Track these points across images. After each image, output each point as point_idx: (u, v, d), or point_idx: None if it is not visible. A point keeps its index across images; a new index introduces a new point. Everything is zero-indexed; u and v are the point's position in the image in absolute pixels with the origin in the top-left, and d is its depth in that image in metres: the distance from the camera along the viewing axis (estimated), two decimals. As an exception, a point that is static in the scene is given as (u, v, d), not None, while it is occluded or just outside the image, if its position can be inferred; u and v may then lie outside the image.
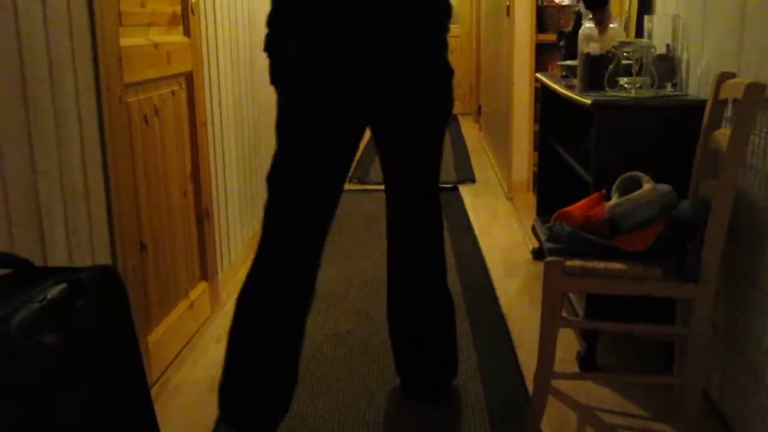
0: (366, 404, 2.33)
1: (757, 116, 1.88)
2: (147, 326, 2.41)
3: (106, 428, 1.25)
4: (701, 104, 2.28)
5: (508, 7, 4.86)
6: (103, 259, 2.10)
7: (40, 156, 1.75)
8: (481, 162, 6.11)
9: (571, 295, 2.66)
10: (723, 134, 2.05)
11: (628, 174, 2.12)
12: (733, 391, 2.15)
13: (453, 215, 4.51)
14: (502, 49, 5.30)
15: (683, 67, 2.61)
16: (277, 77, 2.05)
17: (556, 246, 2.02)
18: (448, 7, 2.02)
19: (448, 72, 2.06)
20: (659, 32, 2.67)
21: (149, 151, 2.43)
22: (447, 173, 5.67)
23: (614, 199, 2.05)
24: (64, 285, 1.17)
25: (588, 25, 2.72)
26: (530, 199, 4.52)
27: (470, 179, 5.49)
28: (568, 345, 2.71)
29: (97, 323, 1.25)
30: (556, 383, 2.45)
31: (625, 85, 2.52)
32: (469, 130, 7.69)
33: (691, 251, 1.90)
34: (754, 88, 1.81)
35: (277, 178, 1.98)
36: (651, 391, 2.40)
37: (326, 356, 2.65)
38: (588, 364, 2.54)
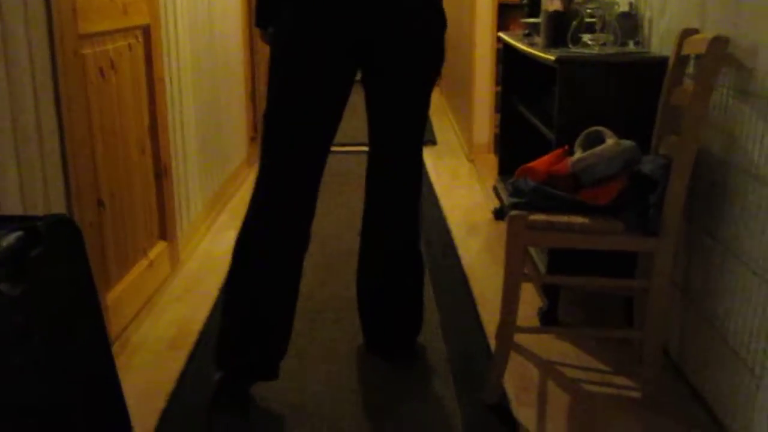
0: (329, 362, 2.33)
1: (719, 71, 1.89)
2: (106, 284, 2.37)
3: (63, 381, 1.22)
4: (664, 61, 2.29)
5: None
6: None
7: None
8: (442, 125, 6.09)
9: (533, 252, 2.67)
10: (685, 90, 2.07)
11: (591, 129, 2.12)
12: (692, 344, 2.19)
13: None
14: (464, 9, 5.26)
15: (646, 24, 2.61)
16: (264, 21, 2.06)
17: (520, 200, 2.01)
18: None
19: (443, 25, 2.03)
20: (623, -11, 2.67)
21: (106, 106, 2.36)
22: (408, 135, 5.63)
23: (578, 154, 2.05)
24: (19, 233, 1.13)
25: (551, -18, 2.70)
26: (492, 161, 4.53)
27: (431, 141, 5.47)
28: (530, 302, 2.73)
29: (54, 273, 1.21)
30: (518, 339, 2.48)
31: (589, 42, 2.51)
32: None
33: (653, 205, 1.91)
34: (717, 42, 1.81)
35: (272, 121, 1.96)
36: (612, 346, 2.44)
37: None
38: (549, 320, 2.56)
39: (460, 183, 4.41)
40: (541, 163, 2.14)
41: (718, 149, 2.02)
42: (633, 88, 2.38)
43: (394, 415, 2.06)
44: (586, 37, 2.52)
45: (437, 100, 7.23)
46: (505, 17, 4.78)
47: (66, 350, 1.23)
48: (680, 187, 1.91)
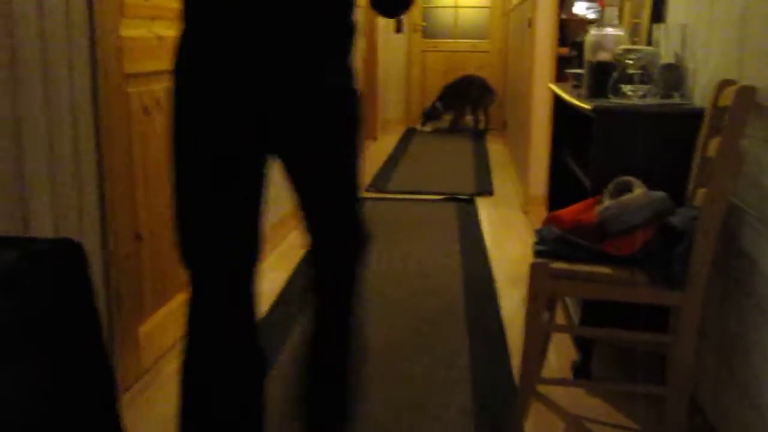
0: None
1: (746, 120, 1.84)
2: (139, 316, 2.43)
3: (53, 401, 1.24)
4: (701, 113, 2.24)
5: (530, 20, 4.85)
6: (92, 246, 2.12)
7: (28, 141, 1.78)
8: (504, 176, 6.07)
9: (568, 302, 2.62)
10: (718, 141, 2.02)
11: (620, 179, 2.09)
12: (724, 405, 2.09)
13: (466, 226, 4.49)
14: (524, 61, 5.27)
15: (690, 76, 2.57)
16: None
17: (543, 248, 1.99)
18: (351, 28, 1.68)
19: (351, 93, 1.71)
20: (668, 41, 2.63)
21: (149, 142, 2.45)
22: (465, 185, 5.65)
23: (605, 203, 2.02)
24: (17, 251, 1.18)
25: (594, 33, 2.69)
26: (546, 213, 4.48)
27: (488, 191, 5.46)
28: (565, 354, 2.68)
29: (53, 296, 1.25)
30: (548, 391, 2.42)
31: (629, 93, 2.49)
32: (494, 145, 7.66)
33: (678, 257, 1.86)
34: (743, 91, 1.77)
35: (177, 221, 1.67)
36: (645, 404, 2.35)
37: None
38: (582, 374, 2.50)
39: (512, 234, 4.37)
40: (569, 212, 2.12)
41: (751, 202, 1.96)
42: (669, 139, 2.33)
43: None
44: (627, 89, 2.49)
45: (501, 153, 7.22)
46: (563, 70, 4.77)
47: (59, 372, 1.26)
48: (708, 239, 1.85)
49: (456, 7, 8.78)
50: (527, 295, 1.96)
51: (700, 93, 2.46)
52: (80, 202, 2.04)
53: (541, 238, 2.02)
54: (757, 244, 1.92)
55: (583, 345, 2.49)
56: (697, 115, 2.26)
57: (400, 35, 8.76)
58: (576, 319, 2.50)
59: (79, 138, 2.01)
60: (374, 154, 6.99)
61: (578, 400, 2.39)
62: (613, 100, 2.50)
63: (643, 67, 2.49)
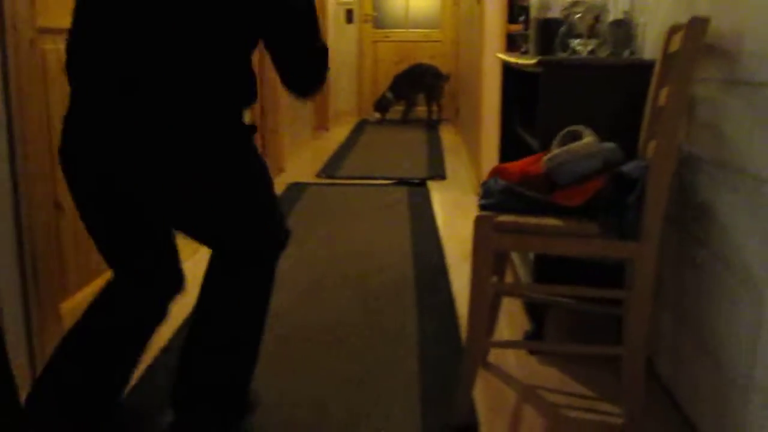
0: (292, 382, 2.18)
1: (697, 56, 1.73)
2: (63, 292, 2.26)
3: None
4: (651, 64, 2.14)
5: (478, -3, 4.75)
6: (4, 215, 1.94)
7: None
8: (457, 162, 5.96)
9: (518, 267, 2.51)
10: (669, 84, 1.92)
11: (569, 128, 1.98)
12: (684, 368, 1.99)
13: (416, 209, 4.36)
14: (475, 43, 5.18)
15: (640, 32, 2.48)
16: None
17: (488, 201, 1.87)
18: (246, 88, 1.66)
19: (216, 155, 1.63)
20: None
21: (68, 105, 2.27)
22: (417, 171, 5.53)
23: (553, 152, 1.90)
24: None
25: (541, -10, 2.59)
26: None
27: (440, 176, 5.34)
28: (517, 325, 2.56)
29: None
30: (498, 361, 2.30)
31: (577, 48, 2.38)
32: (447, 135, 7.56)
33: (631, 205, 1.74)
34: (694, 24, 1.67)
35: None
36: (601, 373, 2.24)
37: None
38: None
39: (464, 216, 4.25)
40: (516, 164, 2.00)
41: (707, 150, 1.86)
42: (619, 93, 2.23)
43: (350, 433, 1.90)
44: (575, 43, 2.39)
45: (453, 141, 7.12)
46: (514, 48, 4.67)
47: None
48: (660, 189, 1.74)
49: (407, -4, 8.69)
50: (472, 252, 1.84)
51: (650, 48, 2.37)
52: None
53: (486, 190, 1.90)
54: (713, 191, 1.82)
55: (535, 312, 2.38)
56: (647, 67, 2.17)
57: (351, 25, 8.63)
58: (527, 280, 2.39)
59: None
60: (325, 144, 6.84)
61: (531, 370, 2.27)
62: (561, 56, 2.39)
63: (592, 22, 2.40)
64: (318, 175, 5.35)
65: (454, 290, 2.93)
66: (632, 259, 1.80)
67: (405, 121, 8.28)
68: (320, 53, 1.69)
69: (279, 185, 4.75)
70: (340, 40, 8.53)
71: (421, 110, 8.34)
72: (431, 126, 8.05)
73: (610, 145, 1.92)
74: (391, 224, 3.99)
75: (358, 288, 2.96)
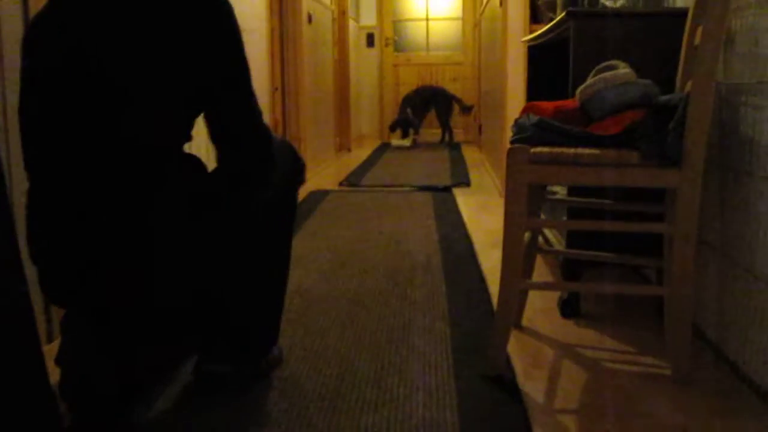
0: (319, 347, 2.10)
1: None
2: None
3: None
4: (685, 12, 2.07)
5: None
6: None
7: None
8: (481, 173, 5.89)
9: (549, 235, 2.42)
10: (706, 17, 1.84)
11: (603, 64, 1.90)
12: (730, 317, 1.88)
13: (442, 207, 4.29)
14: (496, 44, 5.14)
15: (671, -10, 2.42)
16: None
17: (521, 135, 1.79)
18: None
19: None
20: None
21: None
22: (441, 179, 5.46)
23: (588, 82, 1.83)
24: None
25: (568, -47, 2.54)
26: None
27: (464, 183, 5.27)
28: (549, 293, 2.46)
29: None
30: (532, 323, 2.21)
31: (607, 3, 2.32)
32: (470, 153, 7.50)
33: (671, 130, 1.66)
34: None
35: None
36: (641, 332, 2.14)
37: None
38: (570, 310, 2.28)
39: (490, 213, 4.17)
40: (548, 103, 1.92)
41: (749, 76, 1.78)
42: (652, 42, 2.16)
43: (382, 384, 1.80)
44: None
45: (476, 158, 7.05)
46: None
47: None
48: (701, 111, 1.66)
49: (427, 19, 8.71)
50: (506, 186, 1.76)
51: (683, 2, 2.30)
52: None
53: (519, 126, 1.83)
54: (756, 120, 1.74)
55: (570, 274, 2.28)
56: (680, 14, 2.10)
57: (372, 49, 8.66)
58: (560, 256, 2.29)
59: None
60: (348, 162, 6.80)
61: (568, 331, 2.17)
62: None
63: (621, -22, 2.34)
64: (341, 184, 5.30)
65: (484, 271, 2.83)
66: (674, 189, 1.71)
67: (416, 146, 8.19)
68: (262, 131, 1.59)
69: (300, 194, 4.70)
70: (362, 64, 8.56)
71: (429, 132, 8.29)
72: (452, 146, 8.00)
73: (646, 81, 1.85)
74: (416, 219, 3.92)
75: (384, 268, 2.87)
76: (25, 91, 1.48)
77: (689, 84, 1.83)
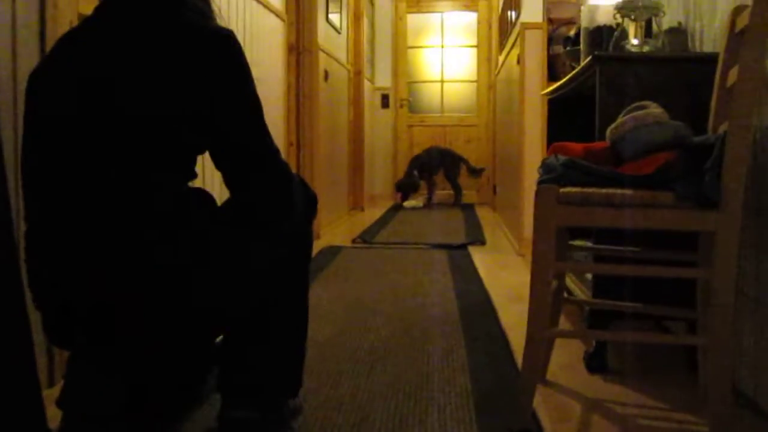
0: (334, 397, 1.99)
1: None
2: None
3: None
4: (713, 57, 2.02)
5: (518, 57, 4.73)
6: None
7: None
8: (496, 233, 5.81)
9: (572, 284, 2.32)
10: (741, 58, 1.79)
11: (635, 104, 1.84)
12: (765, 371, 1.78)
13: (458, 265, 4.20)
14: (513, 101, 5.13)
15: (697, 39, 2.38)
16: None
17: (550, 176, 1.72)
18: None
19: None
20: (670, 5, 2.46)
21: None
22: (456, 237, 5.38)
23: (619, 121, 1.77)
24: None
25: (591, 2, 2.52)
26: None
27: (480, 241, 5.19)
28: (574, 348, 2.36)
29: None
30: (557, 378, 2.10)
31: (633, 50, 2.28)
32: (484, 214, 7.44)
33: (708, 170, 1.59)
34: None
35: None
36: (673, 389, 2.03)
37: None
38: (597, 364, 2.18)
39: (507, 271, 4.08)
40: (576, 144, 1.86)
41: (786, 120, 1.72)
42: (678, 84, 2.11)
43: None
44: (630, 45, 2.29)
45: (491, 218, 6.99)
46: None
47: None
48: (740, 150, 1.58)
49: (442, 81, 8.77)
50: (534, 228, 1.68)
51: (710, 47, 2.26)
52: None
53: (547, 166, 1.76)
54: (796, 162, 1.66)
55: (597, 324, 2.18)
56: (710, 59, 2.05)
57: (386, 110, 8.70)
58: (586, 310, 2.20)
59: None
60: (361, 220, 6.74)
61: (595, 387, 2.06)
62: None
63: (646, 24, 2.30)
64: (354, 241, 5.23)
65: (504, 325, 2.73)
66: (711, 232, 1.62)
67: (430, 206, 8.15)
68: (280, 168, 1.51)
69: (313, 249, 4.63)
70: (376, 124, 8.59)
71: (441, 194, 8.27)
72: (464, 206, 7.96)
73: (677, 122, 1.79)
74: (432, 275, 3.83)
75: (401, 321, 2.77)
76: (29, 134, 1.43)
77: (724, 125, 1.77)
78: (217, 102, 1.40)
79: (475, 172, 8.04)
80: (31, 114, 1.43)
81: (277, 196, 1.49)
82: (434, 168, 8.12)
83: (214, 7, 1.58)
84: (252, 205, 1.49)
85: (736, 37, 1.89)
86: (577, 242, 2.47)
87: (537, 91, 4.64)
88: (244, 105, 1.45)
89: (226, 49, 1.43)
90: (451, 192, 8.26)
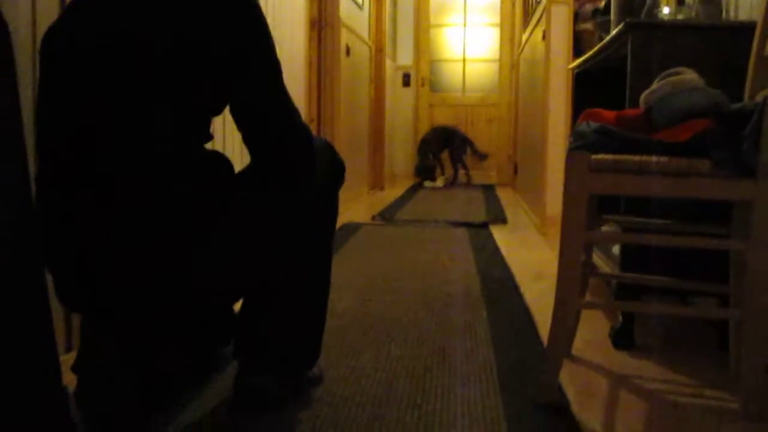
0: (354, 369, 1.96)
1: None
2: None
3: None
4: (751, 26, 1.96)
5: (544, 32, 4.65)
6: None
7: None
8: (517, 212, 5.76)
9: (598, 260, 2.27)
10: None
11: (671, 70, 1.78)
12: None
13: (479, 242, 4.15)
14: (537, 77, 5.06)
15: (732, 8, 2.30)
16: None
17: (581, 143, 1.67)
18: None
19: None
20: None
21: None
22: (477, 216, 5.33)
23: (653, 87, 1.71)
24: None
25: (624, -30, 2.45)
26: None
27: (501, 220, 5.13)
28: (599, 324, 2.31)
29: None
30: (583, 354, 2.05)
31: (666, 18, 2.21)
32: (505, 194, 7.37)
33: (747, 137, 1.53)
34: None
35: None
36: (703, 365, 1.98)
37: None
38: (624, 341, 2.13)
39: (530, 248, 4.03)
40: (609, 111, 1.80)
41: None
42: (712, 53, 2.04)
43: (422, 408, 1.66)
44: (663, 14, 2.22)
45: (512, 198, 6.92)
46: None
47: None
48: (782, 118, 1.53)
49: (464, 60, 8.67)
50: (563, 197, 1.63)
51: (746, 17, 2.19)
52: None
53: (578, 134, 1.70)
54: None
55: (625, 300, 2.13)
56: (747, 28, 1.98)
57: (408, 89, 8.63)
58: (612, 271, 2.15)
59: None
60: (381, 199, 6.70)
61: (623, 362, 2.01)
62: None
63: (680, -8, 2.23)
64: (374, 218, 5.19)
65: (527, 301, 2.68)
66: (748, 201, 1.57)
67: (450, 185, 8.08)
68: (301, 129, 1.48)
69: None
70: (397, 103, 8.52)
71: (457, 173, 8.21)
72: (485, 187, 7.89)
73: (714, 89, 1.72)
74: (453, 252, 3.79)
75: (422, 296, 2.74)
76: (46, 80, 1.40)
77: (762, 92, 1.71)
78: (238, 54, 1.36)
79: (480, 156, 7.97)
80: (51, 71, 1.40)
81: (298, 154, 1.46)
82: (442, 148, 8.06)
83: None
84: (272, 164, 1.45)
85: (776, 3, 1.83)
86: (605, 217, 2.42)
87: (562, 67, 4.56)
88: (263, 61, 1.42)
89: (248, 6, 1.40)
90: (473, 172, 8.19)
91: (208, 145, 1.45)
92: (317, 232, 1.65)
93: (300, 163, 1.49)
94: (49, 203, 1.39)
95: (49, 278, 1.42)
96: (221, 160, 1.47)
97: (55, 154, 1.39)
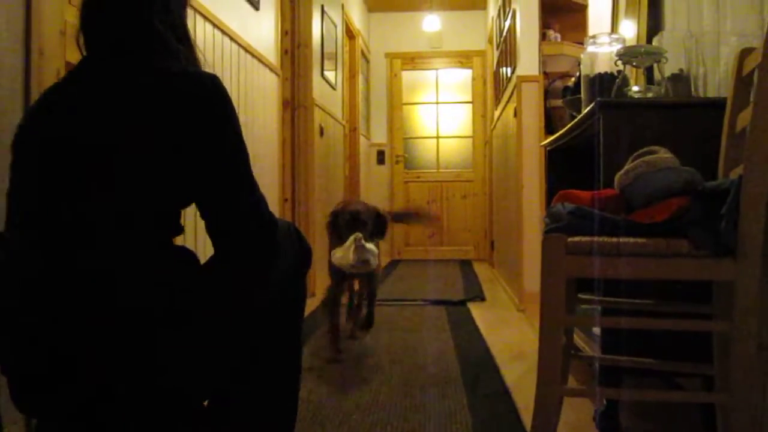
0: None
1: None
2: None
3: None
4: (720, 102, 1.96)
5: (515, 110, 4.70)
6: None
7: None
8: (495, 289, 5.71)
9: (579, 341, 2.22)
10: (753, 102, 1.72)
11: (644, 149, 1.77)
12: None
13: (458, 322, 4.08)
14: (510, 158, 5.08)
15: (701, 85, 2.32)
16: None
17: (556, 225, 1.64)
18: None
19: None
20: (673, 49, 2.41)
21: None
22: (455, 293, 5.27)
23: (627, 167, 1.69)
24: None
25: (590, 50, 2.47)
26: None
27: (479, 297, 5.08)
28: (583, 406, 2.24)
29: None
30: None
31: (635, 96, 2.22)
32: (482, 270, 7.34)
33: (725, 215, 1.50)
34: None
35: None
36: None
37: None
38: (609, 425, 2.05)
39: (509, 327, 3.97)
40: (583, 192, 1.78)
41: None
42: (683, 130, 2.04)
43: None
44: (632, 92, 2.23)
45: (489, 274, 6.88)
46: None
47: None
48: (758, 194, 1.51)
49: (437, 137, 8.75)
50: (541, 280, 1.58)
51: (714, 92, 2.20)
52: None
53: (553, 214, 1.67)
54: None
55: (609, 384, 2.06)
56: (712, 104, 1.99)
57: (382, 166, 8.66)
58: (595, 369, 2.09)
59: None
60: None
61: (608, 448, 1.94)
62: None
63: (647, 71, 2.25)
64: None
65: (508, 384, 2.61)
66: (730, 282, 1.53)
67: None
68: (264, 219, 1.43)
69: (309, 307, 4.51)
70: (372, 180, 8.54)
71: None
72: (462, 263, 7.84)
73: (688, 167, 1.71)
74: (431, 332, 3.71)
75: (400, 382, 2.65)
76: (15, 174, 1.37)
77: (737, 170, 1.70)
78: (197, 146, 1.33)
79: (419, 219, 7.82)
80: (21, 165, 1.37)
81: (257, 241, 1.41)
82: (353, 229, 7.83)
83: (200, 56, 1.54)
84: (230, 251, 1.40)
85: (744, 80, 1.83)
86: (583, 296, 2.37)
87: (534, 143, 4.60)
88: (224, 150, 1.38)
89: (209, 91, 1.37)
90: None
91: (180, 239, 1.40)
92: (284, 319, 1.59)
93: (260, 248, 1.44)
94: (4, 296, 1.32)
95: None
96: (186, 259, 1.42)
97: (17, 244, 1.33)
